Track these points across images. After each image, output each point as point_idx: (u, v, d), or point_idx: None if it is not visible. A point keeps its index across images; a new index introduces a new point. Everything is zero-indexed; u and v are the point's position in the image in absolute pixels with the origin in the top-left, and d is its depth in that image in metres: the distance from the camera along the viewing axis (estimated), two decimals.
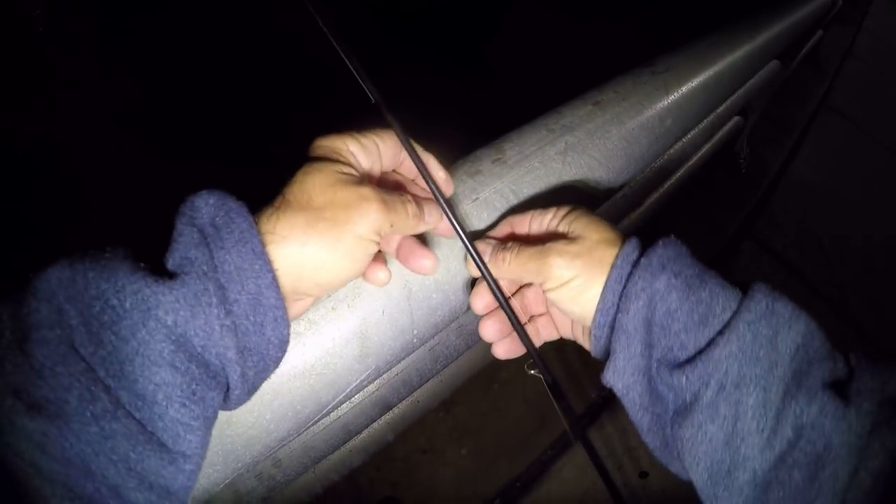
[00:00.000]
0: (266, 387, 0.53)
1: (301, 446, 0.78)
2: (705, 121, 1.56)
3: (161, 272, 0.34)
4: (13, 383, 0.29)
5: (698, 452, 0.40)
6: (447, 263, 0.56)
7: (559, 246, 0.47)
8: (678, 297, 0.43)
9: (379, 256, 0.50)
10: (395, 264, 0.58)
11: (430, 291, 0.60)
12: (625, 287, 0.45)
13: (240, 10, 2.74)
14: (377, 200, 0.41)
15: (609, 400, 1.63)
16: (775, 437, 0.37)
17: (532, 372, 0.55)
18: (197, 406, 0.34)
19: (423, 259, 0.50)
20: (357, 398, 0.81)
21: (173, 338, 0.33)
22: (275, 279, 0.37)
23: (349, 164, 0.43)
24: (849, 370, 0.40)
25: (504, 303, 0.51)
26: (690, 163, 1.78)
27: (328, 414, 0.77)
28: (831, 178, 3.01)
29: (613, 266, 0.46)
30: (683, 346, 0.42)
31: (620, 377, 0.46)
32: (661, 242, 0.46)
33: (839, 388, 0.38)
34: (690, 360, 0.41)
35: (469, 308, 0.66)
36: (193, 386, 0.34)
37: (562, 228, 0.50)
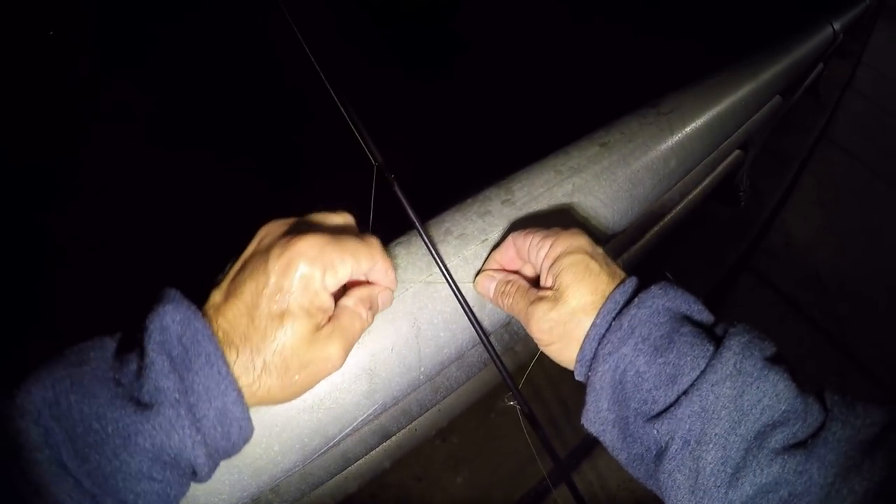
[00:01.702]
0: (276, 420, 0.55)
1: (299, 473, 0.78)
2: (709, 157, 1.58)
3: (136, 391, 0.38)
4: (22, 497, 0.34)
5: (672, 496, 0.43)
6: (454, 303, 0.57)
7: (541, 311, 0.51)
8: (645, 361, 0.46)
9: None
10: (405, 302, 0.59)
11: (438, 330, 0.61)
12: (596, 350, 0.49)
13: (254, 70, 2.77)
14: (343, 353, 0.47)
15: None
16: (734, 491, 0.40)
17: (511, 403, 0.59)
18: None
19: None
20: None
21: (150, 456, 0.37)
22: (239, 395, 0.41)
23: (322, 308, 0.45)
24: (822, 420, 0.41)
25: (486, 342, 0.56)
26: (691, 196, 1.80)
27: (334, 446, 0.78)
28: (831, 211, 3.03)
29: (586, 338, 0.50)
30: (655, 400, 0.45)
31: (592, 424, 0.51)
32: (636, 301, 0.49)
33: (805, 443, 0.40)
34: (660, 415, 0.44)
35: (473, 347, 0.67)
36: (167, 489, 0.38)
37: (551, 277, 0.53)
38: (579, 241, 0.53)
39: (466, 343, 0.65)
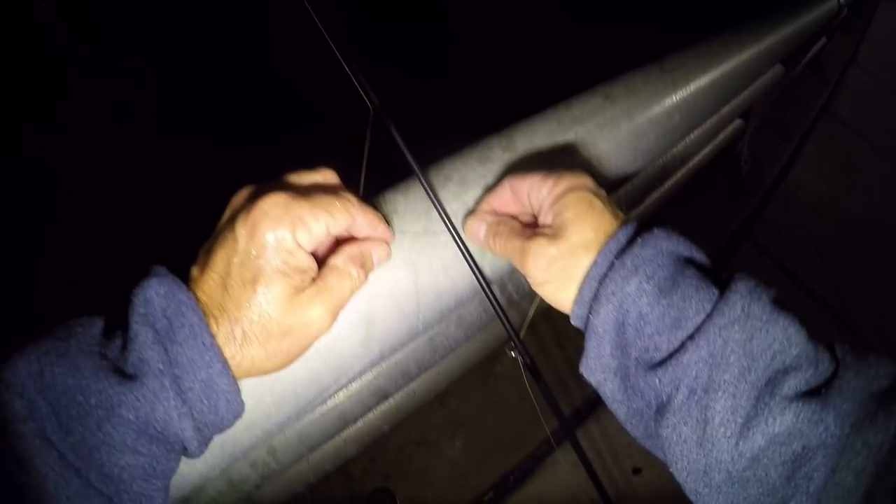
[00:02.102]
0: None
1: (296, 434, 0.77)
2: (709, 121, 1.56)
3: (121, 363, 0.38)
4: (6, 469, 0.34)
5: (676, 451, 0.41)
6: (454, 249, 0.56)
7: (538, 246, 0.48)
8: (648, 302, 0.43)
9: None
10: (403, 248, 0.58)
11: (437, 277, 0.60)
12: (597, 290, 0.46)
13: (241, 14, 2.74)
14: (329, 315, 0.45)
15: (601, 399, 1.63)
16: (745, 442, 0.37)
17: (512, 354, 0.57)
18: (158, 479, 0.38)
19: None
20: (354, 386, 0.81)
21: (135, 428, 0.36)
22: (225, 367, 0.40)
23: (299, 269, 0.43)
24: (833, 369, 0.39)
25: (485, 287, 0.54)
26: (692, 163, 1.78)
27: (329, 398, 0.77)
28: (831, 185, 3.02)
29: (586, 276, 0.47)
30: (657, 347, 0.43)
31: (592, 373, 0.48)
32: (639, 241, 0.46)
33: (819, 390, 0.38)
34: (663, 363, 0.42)
35: (472, 297, 0.66)
36: (154, 463, 0.38)
37: (552, 213, 0.50)
38: (582, 180, 0.50)
39: (467, 291, 0.63)
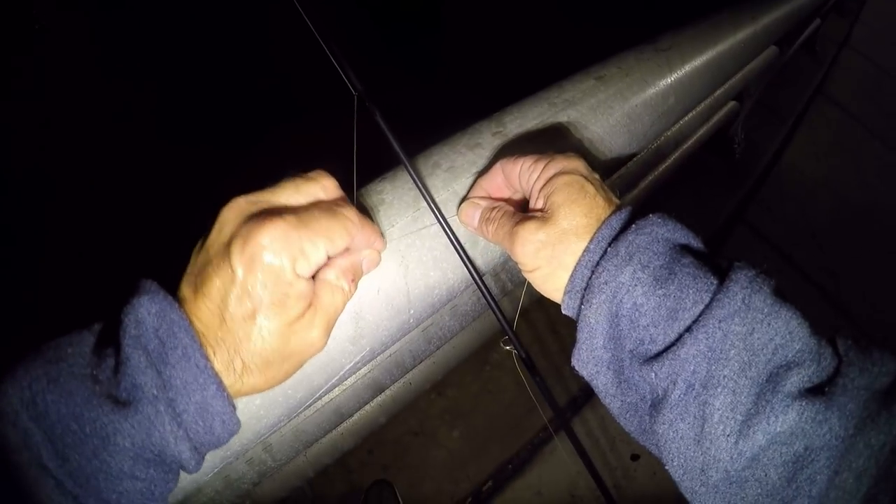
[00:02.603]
0: None
1: (292, 431, 0.76)
2: (703, 103, 1.55)
3: (114, 389, 0.37)
4: (4, 499, 0.34)
5: (672, 448, 0.39)
6: (444, 239, 0.54)
7: (526, 230, 0.47)
8: (643, 292, 0.41)
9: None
10: (392, 239, 0.56)
11: (428, 269, 0.58)
12: (589, 279, 0.44)
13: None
14: (325, 334, 0.45)
15: None
16: (745, 441, 0.36)
17: (507, 348, 0.55)
18: (156, 500, 0.38)
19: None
20: (349, 381, 0.79)
21: (131, 455, 0.36)
22: (219, 388, 0.39)
23: (299, 297, 0.41)
24: (836, 364, 0.37)
25: (477, 278, 0.52)
26: (686, 146, 1.77)
27: (320, 398, 0.76)
28: (825, 167, 3.01)
29: (577, 264, 0.45)
30: (653, 340, 0.41)
31: (584, 366, 0.46)
32: (633, 227, 0.44)
33: (822, 388, 0.36)
34: (659, 356, 0.40)
35: (465, 289, 0.64)
36: (152, 486, 0.38)
37: (542, 197, 0.48)
38: (575, 163, 0.48)
39: (459, 282, 0.61)
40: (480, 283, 0.52)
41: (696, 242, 0.45)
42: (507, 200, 0.55)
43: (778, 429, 0.35)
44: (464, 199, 0.58)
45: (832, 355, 0.38)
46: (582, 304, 0.45)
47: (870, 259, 2.61)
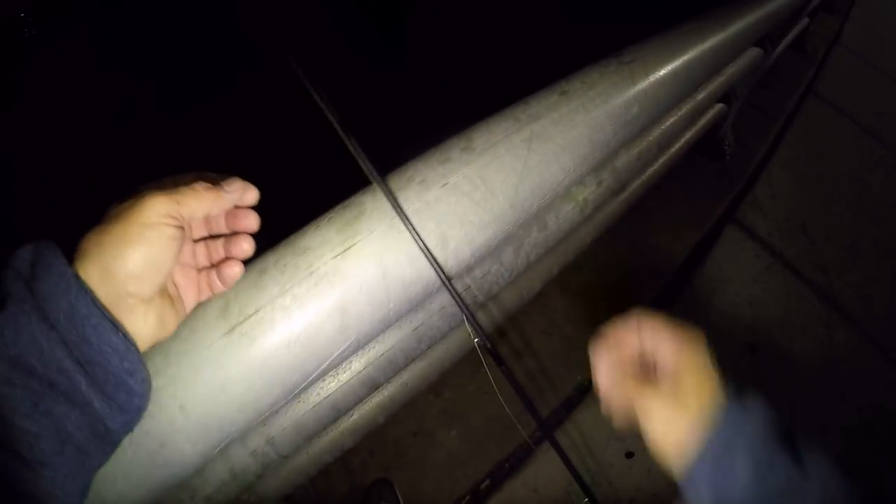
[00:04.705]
0: (254, 358, 0.60)
1: (292, 424, 0.83)
2: (684, 108, 1.60)
3: None
4: None
5: None
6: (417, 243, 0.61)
7: (654, 404, 0.53)
8: (749, 484, 0.48)
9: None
10: (370, 244, 0.63)
11: (403, 268, 0.65)
12: (700, 465, 0.50)
13: None
14: (156, 190, 0.46)
15: (591, 385, 1.67)
16: None
17: (475, 340, 0.62)
18: (44, 417, 0.40)
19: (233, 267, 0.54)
20: (345, 377, 0.86)
21: (6, 358, 0.38)
22: (84, 292, 0.42)
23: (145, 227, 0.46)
24: None
25: (445, 280, 0.57)
26: (673, 150, 1.82)
27: (316, 388, 0.83)
28: (816, 165, 3.05)
29: (689, 449, 0.51)
30: None
31: None
32: (743, 418, 0.51)
33: None
34: None
35: (442, 284, 0.71)
36: (35, 399, 0.39)
37: (668, 371, 0.55)
38: (702, 350, 0.56)
39: (433, 281, 0.68)
40: (448, 283, 0.60)
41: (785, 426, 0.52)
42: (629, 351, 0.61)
43: None
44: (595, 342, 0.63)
45: None
46: (689, 483, 0.51)
47: (862, 254, 2.64)
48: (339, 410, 0.90)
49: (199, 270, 0.54)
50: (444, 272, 0.61)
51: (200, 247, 0.54)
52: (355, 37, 3.07)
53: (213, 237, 0.55)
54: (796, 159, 2.98)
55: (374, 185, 0.68)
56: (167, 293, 0.50)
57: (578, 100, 0.86)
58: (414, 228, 0.60)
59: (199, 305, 0.54)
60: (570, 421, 1.59)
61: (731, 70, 1.94)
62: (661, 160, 1.79)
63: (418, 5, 3.22)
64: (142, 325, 0.46)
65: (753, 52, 2.21)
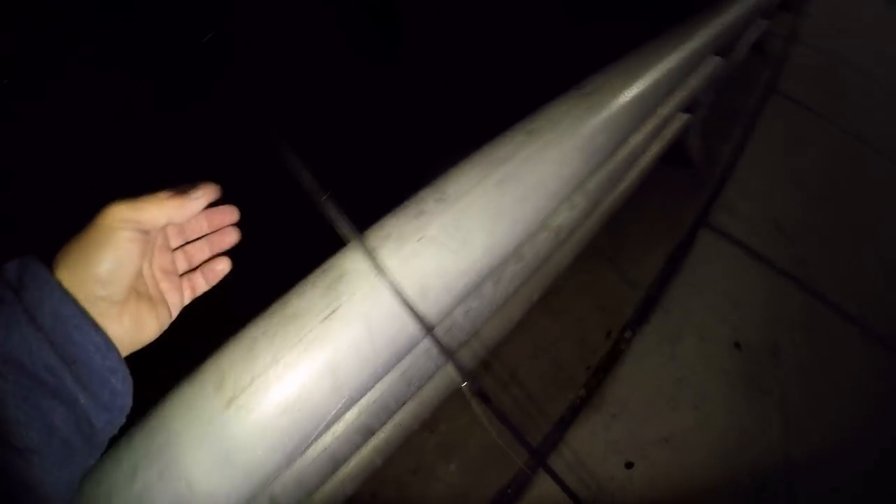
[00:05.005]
0: (254, 428, 0.62)
1: (294, 481, 0.83)
2: (650, 125, 1.64)
3: None
4: None
5: None
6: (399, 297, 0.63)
7: None
8: None
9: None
10: (355, 304, 0.65)
11: (388, 322, 0.67)
12: None
13: None
14: (118, 199, 0.49)
15: (584, 402, 1.69)
16: None
17: (463, 384, 0.63)
18: (33, 409, 0.42)
19: (217, 265, 0.58)
20: (339, 427, 0.87)
21: None
22: (65, 294, 0.45)
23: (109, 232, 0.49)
24: None
25: (430, 332, 0.59)
26: (641, 164, 1.86)
27: (313, 444, 0.84)
28: (783, 161, 3.12)
29: None
30: None
31: None
32: None
33: None
34: None
35: (426, 335, 0.73)
36: (24, 392, 0.42)
37: None
38: None
39: (417, 332, 0.70)
40: (430, 332, 0.61)
41: None
42: None
43: None
44: None
45: None
46: None
47: (838, 242, 2.71)
48: (337, 461, 0.91)
49: (182, 275, 0.57)
50: (426, 323, 0.63)
51: (180, 253, 0.58)
52: (355, 37, 3.11)
53: (197, 240, 0.59)
54: (763, 158, 3.05)
55: (353, 244, 0.70)
56: (145, 296, 0.53)
57: (545, 137, 0.89)
58: (394, 285, 0.61)
59: (195, 380, 0.57)
60: (565, 441, 1.60)
61: (692, 82, 1.98)
62: (631, 176, 1.83)
63: (417, 5, 3.26)
64: (117, 328, 0.49)
65: (714, 61, 2.27)
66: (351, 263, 0.67)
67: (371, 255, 0.60)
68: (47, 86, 2.39)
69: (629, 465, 1.62)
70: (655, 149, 1.98)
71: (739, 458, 1.76)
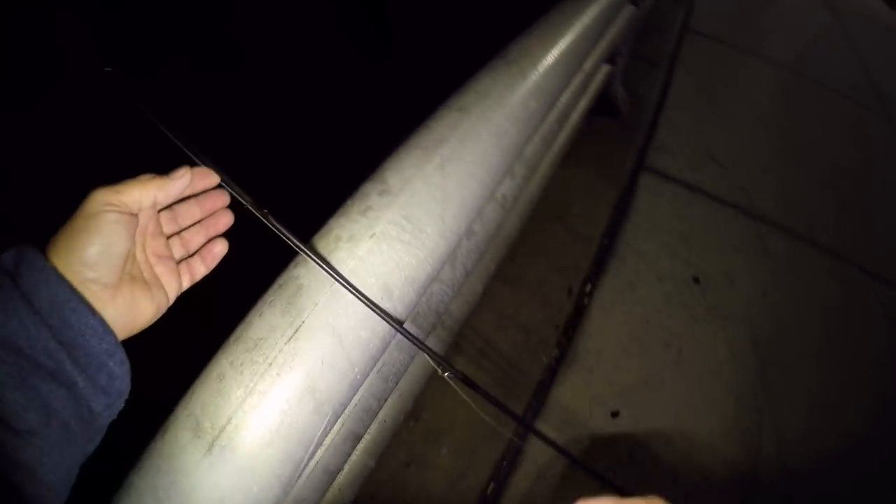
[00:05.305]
0: (242, 465, 0.59)
1: (293, 501, 0.81)
2: (575, 82, 1.65)
3: None
4: None
5: None
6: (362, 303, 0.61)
7: None
8: None
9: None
10: (318, 316, 0.63)
11: (357, 328, 0.65)
12: None
13: None
14: (102, 186, 0.50)
15: (559, 361, 1.72)
16: None
17: (445, 374, 0.62)
18: (31, 391, 0.43)
19: (214, 247, 0.60)
20: (327, 440, 0.85)
21: None
22: (60, 279, 0.46)
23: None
24: None
25: (400, 328, 0.57)
26: (571, 121, 1.88)
27: (306, 467, 0.82)
28: (708, 96, 3.22)
29: None
30: None
31: None
32: None
33: None
34: None
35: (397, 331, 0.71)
36: (23, 375, 0.43)
37: None
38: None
39: (388, 333, 0.69)
40: (402, 329, 0.60)
41: None
42: None
43: None
44: None
45: None
46: None
47: (772, 164, 2.82)
48: (331, 473, 0.89)
49: (181, 262, 0.58)
50: (396, 320, 0.61)
51: (176, 240, 0.58)
52: (355, 37, 3.04)
53: (192, 226, 0.59)
54: (688, 95, 3.14)
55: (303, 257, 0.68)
56: (139, 279, 0.53)
57: (477, 112, 0.88)
58: (356, 289, 0.60)
59: (168, 432, 0.54)
60: (548, 403, 1.62)
61: (611, 32, 2.00)
62: (563, 135, 1.84)
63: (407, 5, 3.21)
64: (110, 311, 0.49)
65: (628, 10, 2.29)
66: (306, 274, 0.65)
67: (326, 261, 0.58)
68: (47, 86, 2.28)
69: (615, 415, 1.66)
70: (584, 104, 2.00)
71: (715, 383, 1.83)
